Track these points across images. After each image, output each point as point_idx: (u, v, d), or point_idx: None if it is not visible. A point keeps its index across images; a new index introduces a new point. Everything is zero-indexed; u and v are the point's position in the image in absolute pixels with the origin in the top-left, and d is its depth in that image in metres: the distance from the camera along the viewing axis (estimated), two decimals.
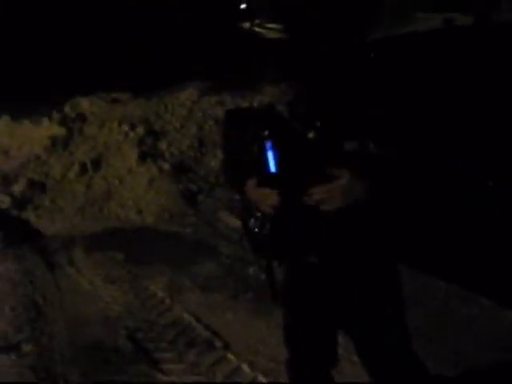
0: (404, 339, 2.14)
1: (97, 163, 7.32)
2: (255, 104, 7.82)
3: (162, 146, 7.52)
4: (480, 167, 3.69)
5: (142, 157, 7.17)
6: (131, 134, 7.55)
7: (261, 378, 3.29)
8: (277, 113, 2.08)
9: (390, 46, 4.96)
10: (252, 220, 5.39)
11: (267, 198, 2.08)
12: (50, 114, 8.43)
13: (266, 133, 2.04)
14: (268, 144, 2.02)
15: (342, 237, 2.04)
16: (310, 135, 1.99)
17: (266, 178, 2.05)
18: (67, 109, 8.72)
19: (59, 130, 8.01)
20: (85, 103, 8.84)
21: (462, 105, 3.96)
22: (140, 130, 7.62)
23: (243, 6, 20.17)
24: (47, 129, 8.14)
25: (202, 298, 4.37)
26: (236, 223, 5.69)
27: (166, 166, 7.05)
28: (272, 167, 2.02)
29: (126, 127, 7.64)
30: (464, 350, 3.36)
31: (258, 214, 5.33)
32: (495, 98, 3.78)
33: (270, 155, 2.01)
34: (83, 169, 7.27)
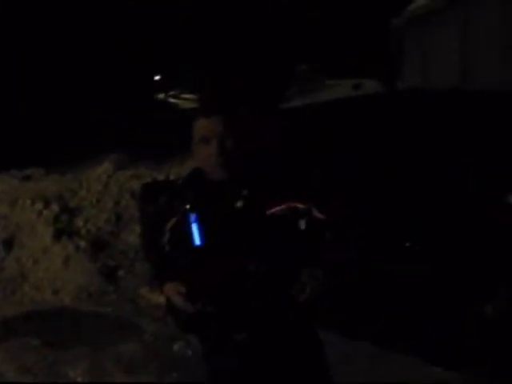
0: None
1: (8, 244, 7.02)
2: (171, 177, 7.81)
3: (78, 222, 7.32)
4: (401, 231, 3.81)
5: (58, 235, 6.94)
6: (45, 212, 7.32)
7: None
8: (196, 184, 2.05)
9: (301, 114, 5.11)
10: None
11: (176, 290, 2.01)
12: None
13: (188, 206, 2.00)
14: (192, 217, 1.98)
15: (272, 309, 2.01)
16: (238, 204, 1.97)
17: (191, 252, 1.99)
18: None
19: None
20: None
21: (376, 168, 4.10)
22: (54, 207, 7.40)
23: (157, 77, 20.41)
24: None
25: (127, 381, 4.18)
26: (159, 299, 5.55)
27: (83, 243, 6.85)
28: (197, 240, 1.97)
29: (39, 205, 7.40)
30: None
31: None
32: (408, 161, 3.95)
33: (195, 228, 1.97)
34: None
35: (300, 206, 1.97)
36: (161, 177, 7.91)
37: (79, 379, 4.25)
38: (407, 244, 3.74)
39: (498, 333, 3.29)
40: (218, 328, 2.06)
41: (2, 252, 6.95)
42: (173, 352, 4.57)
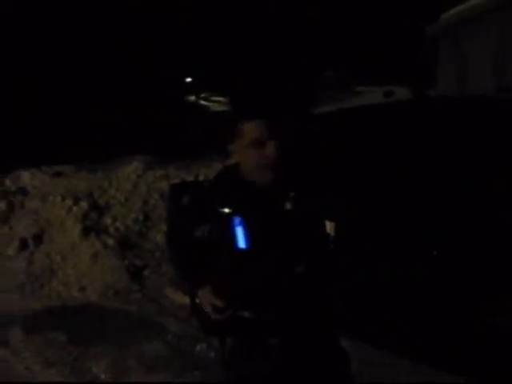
0: None
1: (38, 238, 7.12)
2: (200, 178, 7.85)
3: (107, 220, 7.40)
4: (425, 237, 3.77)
5: (86, 232, 7.02)
6: (74, 209, 7.40)
7: None
8: (235, 186, 2.03)
9: (333, 120, 5.09)
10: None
11: (211, 302, 1.97)
12: None
13: (229, 209, 1.98)
14: (236, 220, 1.96)
15: (309, 313, 2.02)
16: (287, 206, 1.96)
17: (233, 255, 1.97)
18: (8, 182, 8.53)
19: None
20: (26, 176, 8.66)
21: (407, 175, 4.06)
22: (84, 204, 7.49)
23: (189, 79, 20.58)
24: None
25: (149, 379, 4.21)
26: (183, 299, 5.57)
27: (111, 241, 6.91)
28: (241, 243, 1.95)
29: (69, 201, 7.50)
30: None
31: None
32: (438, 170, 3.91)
33: (240, 231, 1.95)
34: (24, 244, 7.05)
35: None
36: (190, 177, 7.96)
37: (102, 376, 4.29)
38: (434, 253, 3.69)
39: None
40: (251, 333, 2.05)
41: (31, 246, 7.06)
42: (195, 352, 4.58)
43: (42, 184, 8.40)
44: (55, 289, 6.31)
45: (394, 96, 8.95)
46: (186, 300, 5.50)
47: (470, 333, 3.45)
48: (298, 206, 1.97)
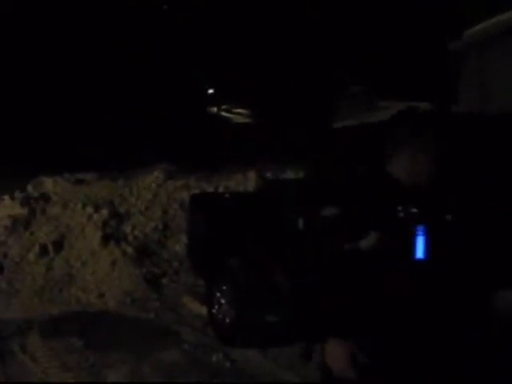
0: None
1: (58, 245, 7.18)
2: (221, 189, 7.87)
3: (126, 228, 7.44)
4: None
5: (106, 239, 7.07)
6: (95, 216, 7.47)
7: None
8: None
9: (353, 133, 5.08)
10: (216, 307, 5.31)
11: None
12: (12, 192, 8.32)
13: (415, 212, 1.88)
14: (419, 228, 1.85)
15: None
16: (448, 217, 1.90)
17: (407, 266, 1.85)
18: (30, 188, 8.63)
19: (21, 210, 7.88)
20: (48, 183, 8.76)
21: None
22: (104, 212, 7.55)
23: (211, 90, 20.71)
24: (8, 208, 8.00)
25: None
26: (200, 309, 5.58)
27: (130, 249, 6.95)
28: (420, 253, 1.84)
29: (90, 209, 7.56)
30: None
31: (222, 301, 5.21)
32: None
33: (420, 240, 1.84)
34: (44, 250, 7.12)
35: None
36: (210, 188, 7.99)
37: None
38: None
39: None
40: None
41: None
42: (211, 362, 4.57)
43: (63, 191, 8.49)
44: (74, 295, 6.36)
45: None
46: (204, 310, 5.53)
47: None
48: (459, 217, 1.90)
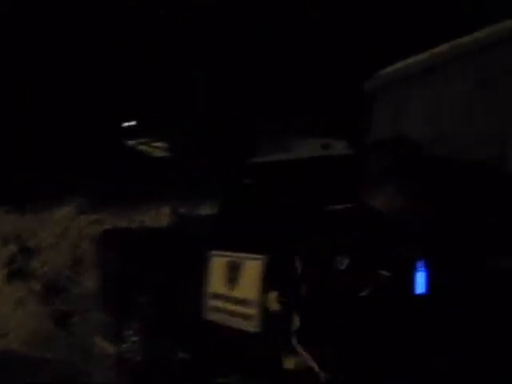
0: None
1: None
2: (135, 225, 7.78)
3: (35, 264, 7.21)
4: None
5: (12, 275, 6.81)
6: (2, 251, 7.20)
7: None
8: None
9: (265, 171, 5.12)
10: (125, 345, 5.22)
11: None
12: None
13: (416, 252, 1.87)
14: (419, 264, 1.85)
15: None
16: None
17: (407, 302, 1.84)
18: None
19: None
20: None
21: None
22: (12, 246, 7.29)
23: (129, 123, 20.40)
24: None
25: None
26: (111, 348, 5.46)
27: (38, 286, 6.73)
28: (421, 288, 1.83)
29: None
30: None
31: (133, 339, 5.15)
32: None
33: (421, 276, 1.84)
34: None
35: None
36: (123, 224, 7.87)
37: None
38: None
39: None
40: None
41: None
42: None
43: None
44: None
45: (332, 149, 9.13)
46: (114, 349, 5.40)
47: None
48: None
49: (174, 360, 4.73)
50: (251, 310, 3.76)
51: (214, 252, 4.20)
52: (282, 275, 3.25)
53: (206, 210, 7.93)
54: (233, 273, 3.97)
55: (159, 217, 7.84)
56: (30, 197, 9.31)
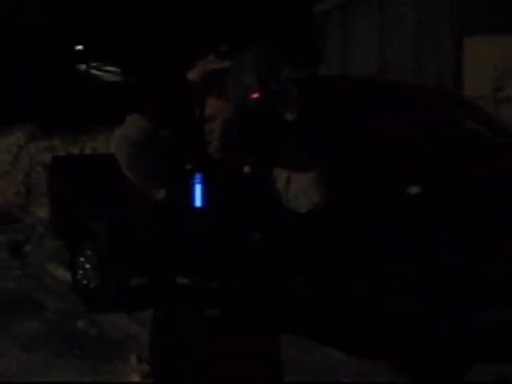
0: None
1: None
2: (86, 151, 7.61)
3: None
4: None
5: None
6: None
7: None
8: (202, 146, 1.98)
9: None
10: (80, 272, 5.18)
11: None
12: None
13: (191, 166, 1.94)
14: (197, 177, 1.92)
15: (255, 287, 2.00)
16: (246, 169, 1.95)
17: (188, 214, 1.94)
18: None
19: None
20: None
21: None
22: None
23: (79, 47, 19.73)
24: None
25: (23, 359, 4.04)
26: (65, 275, 5.41)
27: None
28: (198, 201, 1.92)
29: None
30: None
31: (87, 266, 5.11)
32: None
33: (198, 189, 1.92)
34: None
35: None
36: (75, 150, 7.69)
37: None
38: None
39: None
40: (190, 302, 1.98)
41: None
42: (76, 329, 4.46)
43: None
44: None
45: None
46: (68, 276, 5.36)
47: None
48: (257, 170, 1.96)
49: (128, 286, 4.72)
50: None
51: None
52: None
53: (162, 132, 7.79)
54: None
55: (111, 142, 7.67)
56: None
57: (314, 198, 1.90)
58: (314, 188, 1.89)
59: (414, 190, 3.31)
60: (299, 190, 1.89)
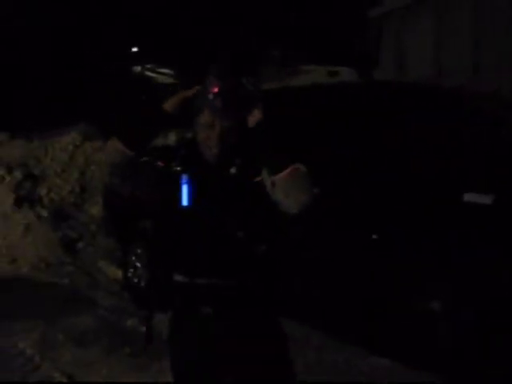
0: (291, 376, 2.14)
1: None
2: None
3: (41, 191, 7.19)
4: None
5: (19, 202, 6.81)
6: (8, 178, 7.17)
7: None
8: (190, 149, 2.09)
9: (277, 97, 5.03)
10: (131, 270, 5.26)
11: None
12: None
13: (180, 167, 2.06)
14: (184, 177, 2.03)
15: (242, 283, 2.04)
16: (232, 171, 2.03)
17: (177, 213, 2.04)
18: None
19: None
20: None
21: (345, 154, 4.05)
22: (17, 173, 7.25)
23: (135, 49, 20.09)
24: None
25: (76, 354, 4.13)
26: (116, 273, 5.50)
27: (45, 213, 6.74)
28: (185, 200, 2.01)
29: (1, 170, 7.25)
30: None
31: (138, 265, 5.18)
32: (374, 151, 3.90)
33: (185, 188, 2.02)
34: None
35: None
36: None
37: (28, 350, 4.18)
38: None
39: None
40: (186, 301, 2.06)
41: None
42: (126, 327, 4.53)
43: None
44: None
45: (339, 76, 8.96)
46: (119, 274, 5.45)
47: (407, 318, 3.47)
48: (243, 171, 2.03)
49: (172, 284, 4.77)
50: None
51: None
52: None
53: None
54: None
55: (167, 141, 7.74)
56: (36, 124, 9.24)
57: (300, 197, 1.93)
58: (298, 188, 1.92)
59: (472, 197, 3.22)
60: (284, 192, 1.92)
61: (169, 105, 2.04)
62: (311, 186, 1.96)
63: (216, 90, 1.95)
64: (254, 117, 1.97)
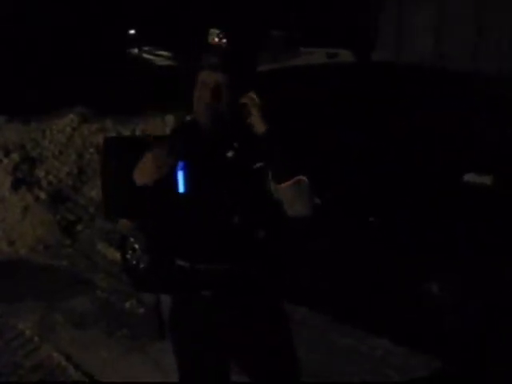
0: (296, 363, 2.14)
1: None
2: (137, 133, 7.68)
3: (39, 173, 7.16)
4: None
5: (17, 184, 6.78)
6: (5, 161, 7.14)
7: None
8: (187, 133, 2.07)
9: (275, 78, 5.00)
10: (130, 252, 5.24)
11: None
12: None
13: (176, 154, 2.00)
14: (180, 164, 1.99)
15: (241, 267, 2.03)
16: (229, 155, 1.99)
17: (174, 199, 2.03)
18: None
19: None
20: None
21: (343, 134, 4.04)
22: (15, 156, 7.22)
23: (132, 31, 19.95)
24: None
25: (75, 336, 4.14)
26: (115, 255, 5.50)
27: (43, 195, 6.72)
28: (181, 187, 2.00)
29: None
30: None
31: (136, 246, 5.17)
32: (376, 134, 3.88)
33: (181, 175, 2.00)
34: None
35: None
36: (126, 132, 7.77)
37: (28, 332, 4.19)
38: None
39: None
40: (187, 285, 2.06)
41: None
42: (125, 309, 4.53)
43: None
44: None
45: (338, 58, 8.91)
46: (118, 256, 5.44)
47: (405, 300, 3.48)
48: (240, 156, 2.00)
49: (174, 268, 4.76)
50: None
51: None
52: None
53: None
54: None
55: (164, 125, 7.72)
56: (33, 106, 9.18)
57: (301, 211, 1.95)
58: (299, 201, 1.94)
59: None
60: (285, 202, 1.94)
61: (140, 176, 2.03)
62: (312, 199, 1.96)
63: (216, 40, 1.95)
64: (249, 98, 1.95)
